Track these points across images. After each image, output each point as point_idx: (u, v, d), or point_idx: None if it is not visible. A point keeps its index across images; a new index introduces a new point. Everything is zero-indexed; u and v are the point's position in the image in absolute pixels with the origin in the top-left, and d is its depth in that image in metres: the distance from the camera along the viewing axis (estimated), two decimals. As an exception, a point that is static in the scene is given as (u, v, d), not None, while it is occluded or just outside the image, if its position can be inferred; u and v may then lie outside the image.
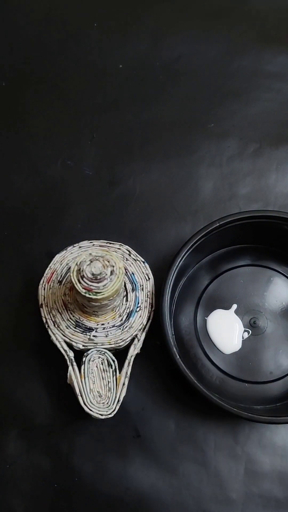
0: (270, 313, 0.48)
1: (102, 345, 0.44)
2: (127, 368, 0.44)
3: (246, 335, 0.47)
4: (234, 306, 0.48)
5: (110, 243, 0.48)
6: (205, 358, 0.47)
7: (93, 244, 0.48)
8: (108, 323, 0.45)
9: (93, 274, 0.39)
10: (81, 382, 0.43)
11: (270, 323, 0.48)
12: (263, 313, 0.48)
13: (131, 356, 0.45)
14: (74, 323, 0.45)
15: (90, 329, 0.45)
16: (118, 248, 0.48)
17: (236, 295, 0.49)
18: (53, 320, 0.45)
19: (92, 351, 0.44)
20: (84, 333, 0.44)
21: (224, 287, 0.49)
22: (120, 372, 0.44)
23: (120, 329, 0.45)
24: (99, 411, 0.43)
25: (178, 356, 0.42)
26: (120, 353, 0.45)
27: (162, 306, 0.43)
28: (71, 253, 0.47)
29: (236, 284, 0.49)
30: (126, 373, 0.44)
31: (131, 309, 0.46)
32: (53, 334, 0.45)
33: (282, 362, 0.47)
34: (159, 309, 0.43)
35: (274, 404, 0.45)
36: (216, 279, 0.49)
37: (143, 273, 0.47)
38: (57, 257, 0.47)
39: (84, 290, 0.39)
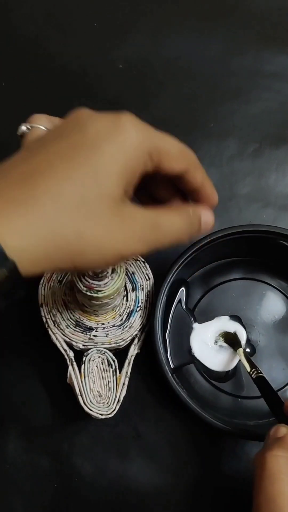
0: (262, 327, 0.47)
1: (102, 344, 0.44)
2: (127, 368, 0.44)
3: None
4: (225, 318, 0.47)
5: (110, 243, 0.48)
6: (198, 374, 0.47)
7: (93, 244, 0.47)
8: (108, 322, 0.45)
9: (94, 272, 0.39)
10: (81, 382, 0.43)
11: (263, 337, 0.47)
12: (256, 327, 0.47)
13: (131, 356, 0.45)
14: (74, 323, 0.45)
15: (90, 329, 0.44)
16: (118, 248, 0.47)
17: (228, 309, 0.48)
18: (53, 319, 0.45)
19: (92, 351, 0.44)
20: (84, 332, 0.44)
21: (216, 300, 0.48)
22: (120, 372, 0.44)
23: (120, 328, 0.45)
24: (99, 411, 0.43)
25: (170, 374, 0.42)
26: (120, 353, 0.45)
27: (154, 323, 0.43)
28: (71, 252, 0.47)
29: (228, 298, 0.48)
30: (126, 373, 0.44)
31: (131, 309, 0.45)
32: (53, 333, 0.45)
33: (275, 376, 0.46)
34: (151, 327, 0.43)
35: (267, 419, 0.44)
36: (208, 292, 0.48)
37: (143, 273, 0.47)
38: (57, 257, 0.47)
39: (85, 288, 0.39)
